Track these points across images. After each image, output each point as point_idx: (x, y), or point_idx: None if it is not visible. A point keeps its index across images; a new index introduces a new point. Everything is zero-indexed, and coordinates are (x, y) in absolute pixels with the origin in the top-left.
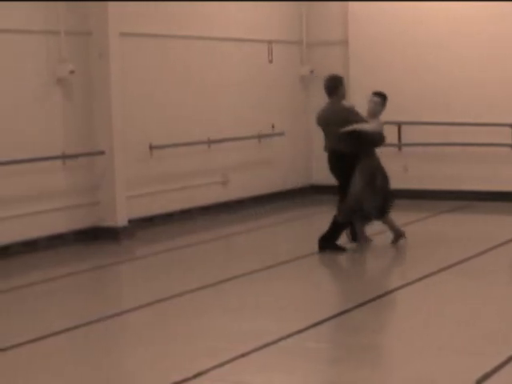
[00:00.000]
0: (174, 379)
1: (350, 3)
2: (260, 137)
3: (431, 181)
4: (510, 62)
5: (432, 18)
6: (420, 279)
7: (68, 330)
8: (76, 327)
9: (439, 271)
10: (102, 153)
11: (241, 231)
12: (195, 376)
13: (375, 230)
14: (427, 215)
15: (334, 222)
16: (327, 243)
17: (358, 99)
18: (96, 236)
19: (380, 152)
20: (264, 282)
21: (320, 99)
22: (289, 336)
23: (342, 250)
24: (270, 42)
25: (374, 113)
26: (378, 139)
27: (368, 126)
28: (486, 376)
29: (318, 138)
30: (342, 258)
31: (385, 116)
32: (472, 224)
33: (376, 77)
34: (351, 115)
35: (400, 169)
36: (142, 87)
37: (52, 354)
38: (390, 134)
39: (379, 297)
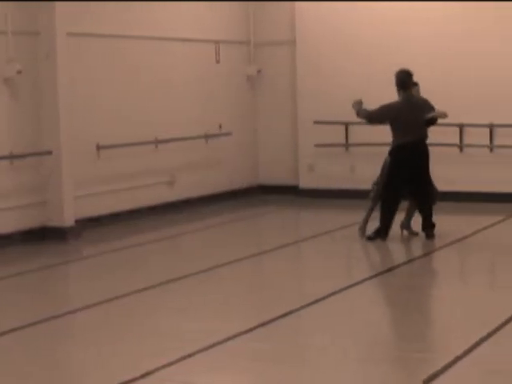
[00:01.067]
0: (121, 379)
1: (297, 3)
2: (207, 137)
3: None
4: (460, 61)
5: (380, 19)
6: (367, 279)
7: (15, 329)
8: (23, 327)
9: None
10: (49, 153)
11: (188, 231)
12: (143, 376)
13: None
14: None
15: (430, 207)
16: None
17: (305, 99)
18: (43, 236)
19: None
20: (211, 282)
21: (267, 99)
22: (236, 336)
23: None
24: (217, 42)
25: None
26: None
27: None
28: (434, 375)
29: (265, 137)
30: (291, 257)
31: (332, 116)
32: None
33: (323, 77)
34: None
35: (347, 169)
36: (90, 87)
37: None
38: (338, 134)
39: (328, 296)
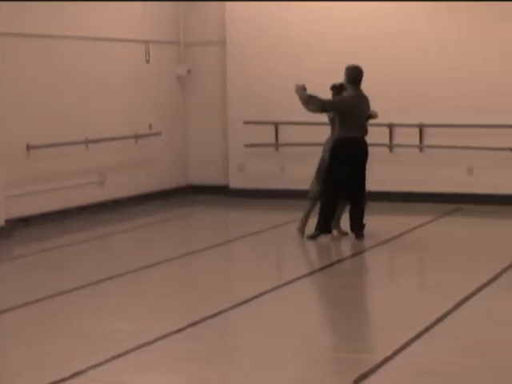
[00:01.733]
0: (51, 379)
1: (228, 3)
2: (137, 137)
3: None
4: (390, 62)
5: (309, 19)
6: (296, 279)
7: None
8: None
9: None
10: None
11: (118, 231)
12: (72, 376)
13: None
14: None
15: (363, 208)
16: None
17: (234, 99)
18: None
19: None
20: (141, 282)
21: (197, 99)
22: (166, 336)
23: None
24: (147, 42)
25: None
26: None
27: None
28: (363, 376)
29: (195, 137)
30: (221, 257)
31: (262, 117)
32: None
33: (253, 77)
34: None
35: (277, 169)
36: (20, 87)
37: None
38: (268, 134)
39: (259, 296)
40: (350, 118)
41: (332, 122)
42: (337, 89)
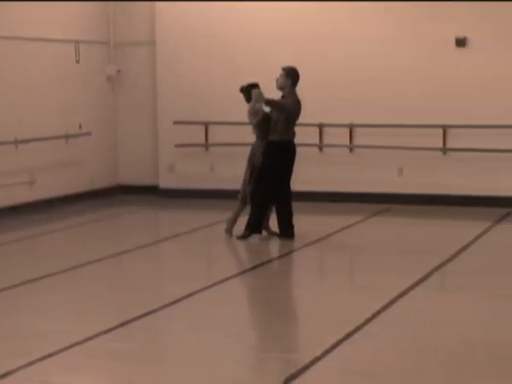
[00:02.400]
0: None
1: (158, 3)
2: (67, 137)
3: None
4: (319, 62)
5: (238, 19)
6: (228, 279)
7: None
8: None
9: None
10: None
11: (48, 231)
12: (3, 376)
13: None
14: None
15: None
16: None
17: (164, 99)
18: None
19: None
20: (71, 282)
21: (128, 99)
22: (96, 336)
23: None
24: (77, 42)
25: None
26: None
27: None
28: (293, 376)
29: (126, 137)
30: (151, 257)
31: (192, 117)
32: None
33: (183, 77)
34: None
35: (207, 169)
36: None
37: None
38: (198, 135)
39: (188, 296)
40: (293, 122)
41: (270, 126)
42: (247, 90)
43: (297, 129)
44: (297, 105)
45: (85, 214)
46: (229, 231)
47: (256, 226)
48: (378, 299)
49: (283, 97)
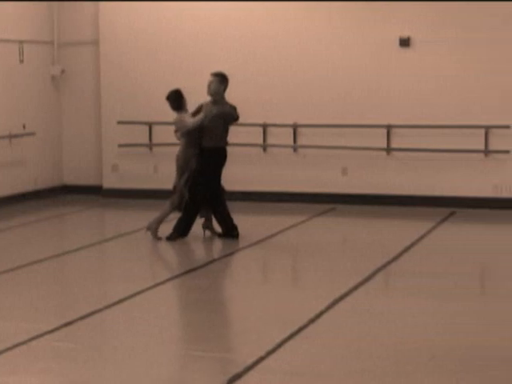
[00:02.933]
0: None
1: (102, 3)
2: (11, 137)
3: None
4: (264, 62)
5: (182, 19)
6: (169, 280)
7: None
8: None
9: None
10: None
11: None
12: None
13: None
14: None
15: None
16: None
17: (108, 99)
18: None
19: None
20: (14, 283)
21: (72, 99)
22: (39, 336)
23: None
24: (21, 42)
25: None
26: None
27: None
28: (237, 376)
29: (70, 137)
30: (94, 258)
31: (136, 117)
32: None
33: (127, 78)
34: None
35: (151, 169)
36: None
37: None
38: (142, 135)
39: (130, 297)
40: (225, 128)
41: (200, 132)
42: (172, 98)
43: (241, 129)
44: (233, 111)
45: (29, 213)
46: (154, 231)
47: (185, 230)
48: (322, 300)
49: (215, 102)
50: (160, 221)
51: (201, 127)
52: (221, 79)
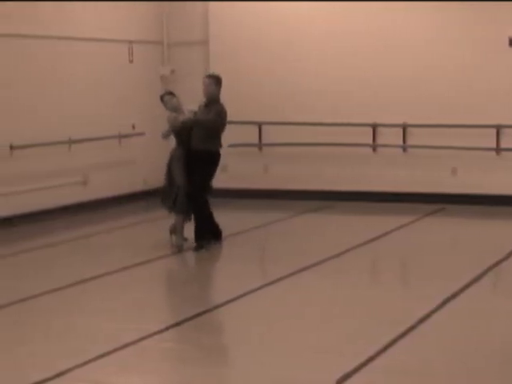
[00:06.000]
0: (34, 379)
1: (211, 3)
2: (120, 137)
3: (292, 181)
4: (368, 59)
5: (293, 18)
6: (280, 279)
7: None
8: None
9: (300, 271)
10: None
11: (101, 231)
12: (55, 376)
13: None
14: (290, 215)
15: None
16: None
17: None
18: None
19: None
20: (125, 283)
21: (181, 99)
22: (148, 336)
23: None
24: (130, 42)
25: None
26: None
27: None
28: (346, 376)
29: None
30: (198, 259)
31: (245, 116)
32: (334, 224)
33: (237, 77)
34: None
35: (260, 169)
36: (3, 88)
37: None
38: (251, 134)
39: (239, 297)
40: (209, 133)
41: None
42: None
43: (351, 129)
44: (224, 115)
45: (138, 214)
46: (181, 246)
47: (205, 234)
48: (432, 299)
49: (208, 104)
50: (181, 232)
51: (188, 129)
52: (216, 81)
